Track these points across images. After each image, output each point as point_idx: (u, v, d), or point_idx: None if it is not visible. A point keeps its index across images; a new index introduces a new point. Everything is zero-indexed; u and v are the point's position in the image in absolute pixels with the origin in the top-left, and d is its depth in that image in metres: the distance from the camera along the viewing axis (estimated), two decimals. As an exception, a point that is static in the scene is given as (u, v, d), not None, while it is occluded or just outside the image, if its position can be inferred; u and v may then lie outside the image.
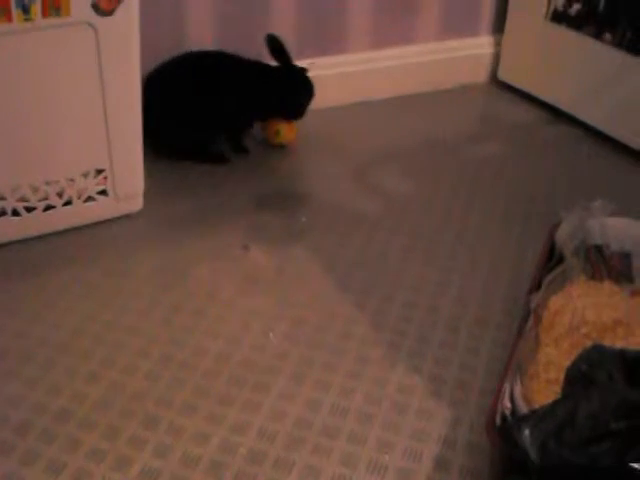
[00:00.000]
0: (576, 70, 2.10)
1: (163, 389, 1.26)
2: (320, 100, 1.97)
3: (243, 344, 1.35)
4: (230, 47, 1.86)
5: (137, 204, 1.65)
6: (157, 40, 1.84)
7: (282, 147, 1.94)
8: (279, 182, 1.82)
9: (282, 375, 1.29)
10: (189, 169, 1.84)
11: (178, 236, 1.61)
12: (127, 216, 1.65)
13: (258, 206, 1.72)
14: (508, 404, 1.12)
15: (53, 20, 1.37)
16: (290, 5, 2.02)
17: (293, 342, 1.36)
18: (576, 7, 2.07)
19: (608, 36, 2.00)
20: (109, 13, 1.41)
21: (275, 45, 1.83)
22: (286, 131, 1.92)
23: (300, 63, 1.87)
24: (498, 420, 1.07)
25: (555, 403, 0.93)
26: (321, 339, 1.37)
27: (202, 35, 1.93)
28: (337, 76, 2.13)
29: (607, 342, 1.12)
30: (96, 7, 1.39)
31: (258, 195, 1.76)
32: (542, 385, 1.22)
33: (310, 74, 1.88)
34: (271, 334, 1.38)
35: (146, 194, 1.66)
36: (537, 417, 0.91)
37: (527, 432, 0.89)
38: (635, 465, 0.81)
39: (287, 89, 1.86)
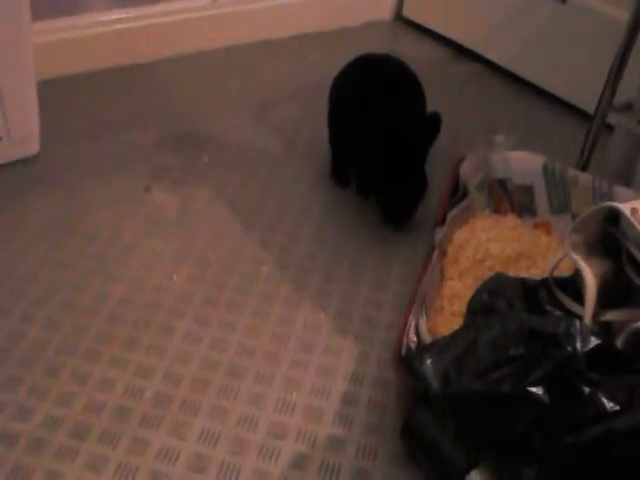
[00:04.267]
0: (481, 8, 2.10)
1: (65, 337, 1.22)
2: (221, 38, 1.92)
3: (146, 287, 1.33)
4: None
5: (33, 148, 1.59)
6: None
7: None
8: (180, 123, 1.77)
9: (187, 317, 1.28)
10: (88, 113, 1.78)
11: (77, 180, 1.56)
12: (23, 160, 1.59)
13: (159, 148, 1.67)
14: (414, 338, 1.13)
15: None
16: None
17: (197, 283, 1.34)
18: (479, -58, 2.07)
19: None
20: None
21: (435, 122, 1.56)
22: None
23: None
24: (404, 354, 1.07)
25: (456, 333, 0.93)
26: (226, 279, 1.35)
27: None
28: (237, 13, 2.08)
29: (511, 274, 1.14)
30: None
31: (159, 137, 1.71)
32: (447, 318, 1.24)
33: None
34: (174, 276, 1.35)
35: (44, 137, 1.60)
36: (439, 347, 0.92)
37: (429, 362, 0.89)
38: (533, 389, 0.82)
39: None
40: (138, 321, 1.26)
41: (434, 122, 1.56)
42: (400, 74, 1.55)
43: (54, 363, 1.18)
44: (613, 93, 1.45)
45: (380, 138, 1.44)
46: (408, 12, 2.30)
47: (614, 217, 0.99)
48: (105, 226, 1.45)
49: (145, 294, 1.31)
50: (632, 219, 0.94)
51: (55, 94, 1.76)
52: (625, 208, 0.97)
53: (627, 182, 1.42)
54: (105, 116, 1.77)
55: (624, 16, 1.40)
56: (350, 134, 1.52)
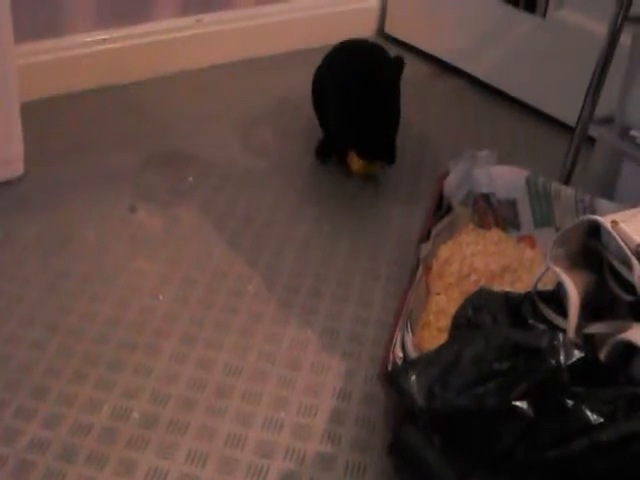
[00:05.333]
0: (461, 23, 2.12)
1: (51, 358, 1.22)
2: (205, 57, 1.93)
3: (132, 307, 1.32)
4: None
5: (17, 169, 1.59)
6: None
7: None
8: (165, 143, 1.78)
9: (173, 337, 1.27)
10: (73, 134, 1.78)
11: (62, 200, 1.56)
12: (7, 182, 1.58)
13: (144, 168, 1.67)
14: (400, 353, 1.13)
15: None
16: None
17: (183, 303, 1.34)
18: (459, -40, 2.09)
19: (491, -12, 2.02)
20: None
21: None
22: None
23: (186, 19, 1.82)
24: (390, 370, 1.08)
25: (441, 348, 0.94)
26: (212, 298, 1.36)
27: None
28: (221, 32, 2.09)
29: (495, 288, 1.14)
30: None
31: (144, 157, 1.71)
32: (434, 333, 1.24)
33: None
34: (160, 296, 1.35)
35: (28, 159, 1.60)
36: (424, 363, 0.92)
37: (414, 378, 0.89)
38: (517, 403, 0.82)
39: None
40: (124, 342, 1.26)
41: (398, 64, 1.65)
42: (366, 45, 1.76)
43: (40, 385, 1.17)
44: (594, 106, 1.46)
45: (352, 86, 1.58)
46: (390, 29, 2.32)
47: (595, 230, 1.00)
48: (90, 247, 1.45)
49: (131, 314, 1.31)
50: (613, 232, 0.95)
51: (39, 116, 1.77)
52: (606, 221, 0.97)
53: (609, 195, 1.43)
54: (89, 137, 1.77)
55: (603, 30, 1.41)
56: (328, 93, 1.68)
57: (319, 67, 1.75)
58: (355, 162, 1.65)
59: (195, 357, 1.24)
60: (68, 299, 1.33)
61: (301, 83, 1.87)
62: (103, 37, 1.92)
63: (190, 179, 1.65)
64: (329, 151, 1.74)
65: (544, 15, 1.92)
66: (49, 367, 1.20)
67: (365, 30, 2.32)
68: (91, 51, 1.92)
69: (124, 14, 1.90)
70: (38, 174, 1.62)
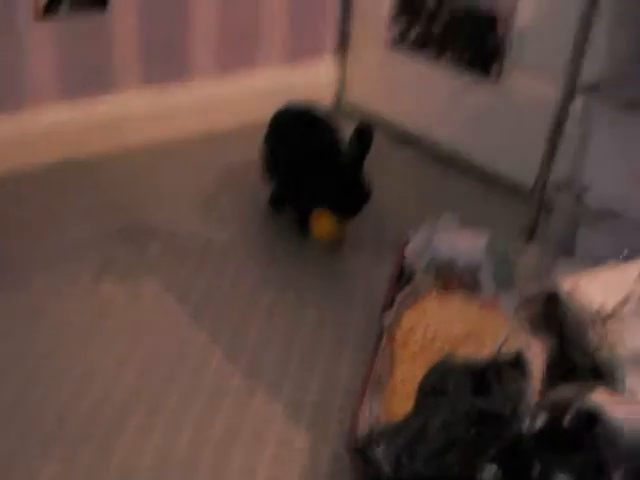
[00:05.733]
0: (419, 91, 2.16)
1: (13, 439, 1.19)
2: (166, 131, 1.95)
3: (95, 383, 1.31)
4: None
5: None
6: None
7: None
8: (127, 216, 1.77)
9: (137, 412, 1.26)
10: (37, 208, 1.77)
11: (26, 274, 1.55)
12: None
13: (107, 240, 1.67)
14: (368, 422, 1.12)
15: None
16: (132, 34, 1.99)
17: (147, 378, 1.33)
18: (415, 31, 2.13)
19: (445, 57, 2.06)
20: None
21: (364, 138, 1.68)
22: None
23: (147, 92, 1.83)
24: (358, 439, 1.07)
25: (408, 416, 0.94)
26: (176, 372, 1.34)
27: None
28: (181, 107, 2.11)
29: (460, 354, 1.14)
30: None
31: (107, 230, 1.70)
32: (401, 400, 1.23)
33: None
34: (124, 371, 1.33)
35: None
36: (391, 432, 0.92)
37: (381, 447, 0.89)
38: (484, 472, 0.82)
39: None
40: (87, 418, 1.24)
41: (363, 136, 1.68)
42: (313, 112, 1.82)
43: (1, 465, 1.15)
44: (549, 170, 1.49)
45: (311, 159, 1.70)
46: (349, 98, 2.36)
47: (556, 294, 1.01)
48: (53, 322, 1.43)
49: (94, 391, 1.29)
50: (573, 295, 0.96)
51: (4, 190, 1.77)
52: (565, 284, 0.99)
53: (569, 255, 1.45)
54: (53, 210, 1.77)
55: (555, 93, 1.44)
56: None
57: (269, 133, 1.82)
58: (324, 226, 1.68)
59: (160, 431, 1.22)
60: (27, 380, 1.30)
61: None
62: (66, 112, 1.93)
63: (153, 251, 1.65)
64: (282, 201, 1.81)
65: (498, 81, 1.96)
66: (6, 449, 1.18)
67: (324, 100, 2.35)
68: (54, 126, 1.93)
69: (85, 86, 1.91)
70: (2, 247, 1.62)
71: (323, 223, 1.68)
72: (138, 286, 1.54)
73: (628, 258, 1.23)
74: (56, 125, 1.93)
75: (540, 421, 0.86)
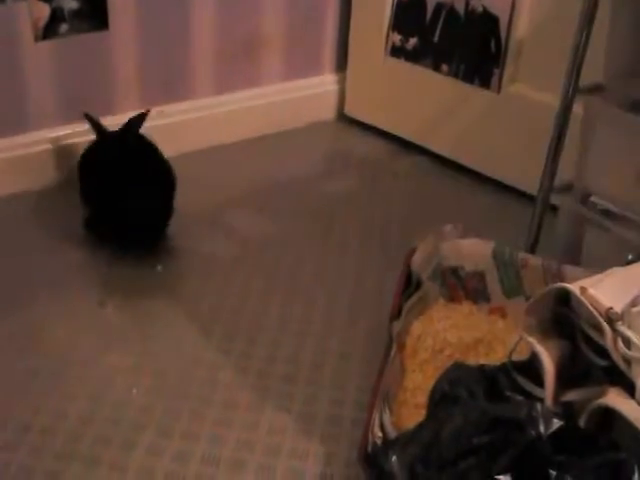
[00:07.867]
0: (418, 101, 2.16)
1: (22, 459, 1.19)
2: (168, 147, 1.94)
3: (106, 402, 1.30)
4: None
5: (-17, 269, 1.58)
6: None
7: None
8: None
9: (148, 430, 1.25)
10: (38, 230, 1.77)
11: (30, 296, 1.54)
12: (-27, 283, 1.57)
13: (111, 259, 1.67)
14: (379, 433, 1.12)
15: None
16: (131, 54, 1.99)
17: (157, 395, 1.32)
18: (412, 41, 2.14)
19: (445, 67, 2.07)
20: None
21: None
22: None
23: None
24: (370, 451, 1.06)
25: (420, 425, 0.93)
26: (186, 389, 1.34)
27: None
28: (183, 123, 2.12)
29: (470, 361, 1.14)
30: None
31: (111, 249, 1.70)
32: (412, 410, 1.23)
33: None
34: (134, 389, 1.33)
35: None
36: (404, 441, 0.91)
37: (394, 458, 0.88)
38: (500, 477, 0.82)
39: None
40: (99, 438, 1.23)
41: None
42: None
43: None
44: (553, 175, 1.49)
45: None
46: (349, 111, 2.36)
47: (565, 297, 1.00)
48: (60, 343, 1.43)
49: (105, 410, 1.29)
50: (582, 298, 0.96)
51: (4, 211, 1.77)
52: (574, 287, 0.98)
53: (575, 260, 1.44)
54: (55, 232, 1.76)
55: (556, 101, 1.44)
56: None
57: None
58: None
59: (171, 449, 1.22)
60: (39, 398, 1.30)
61: (265, 168, 1.90)
62: (65, 132, 1.93)
63: (158, 268, 1.64)
64: (98, 225, 1.76)
65: (498, 90, 1.96)
66: (21, 467, 1.17)
67: (325, 113, 2.36)
68: (53, 147, 1.93)
69: (86, 108, 1.91)
70: (5, 268, 1.61)
71: None
72: (144, 304, 1.55)
73: (634, 260, 1.23)
74: (58, 146, 1.93)
75: (555, 425, 0.86)
